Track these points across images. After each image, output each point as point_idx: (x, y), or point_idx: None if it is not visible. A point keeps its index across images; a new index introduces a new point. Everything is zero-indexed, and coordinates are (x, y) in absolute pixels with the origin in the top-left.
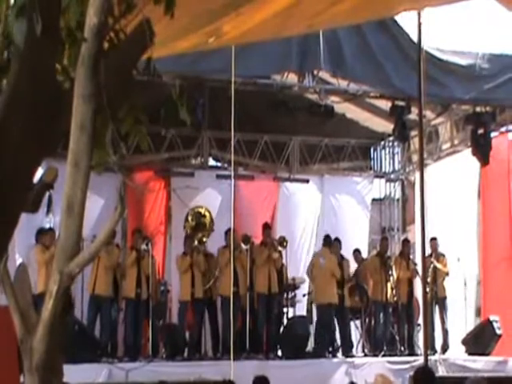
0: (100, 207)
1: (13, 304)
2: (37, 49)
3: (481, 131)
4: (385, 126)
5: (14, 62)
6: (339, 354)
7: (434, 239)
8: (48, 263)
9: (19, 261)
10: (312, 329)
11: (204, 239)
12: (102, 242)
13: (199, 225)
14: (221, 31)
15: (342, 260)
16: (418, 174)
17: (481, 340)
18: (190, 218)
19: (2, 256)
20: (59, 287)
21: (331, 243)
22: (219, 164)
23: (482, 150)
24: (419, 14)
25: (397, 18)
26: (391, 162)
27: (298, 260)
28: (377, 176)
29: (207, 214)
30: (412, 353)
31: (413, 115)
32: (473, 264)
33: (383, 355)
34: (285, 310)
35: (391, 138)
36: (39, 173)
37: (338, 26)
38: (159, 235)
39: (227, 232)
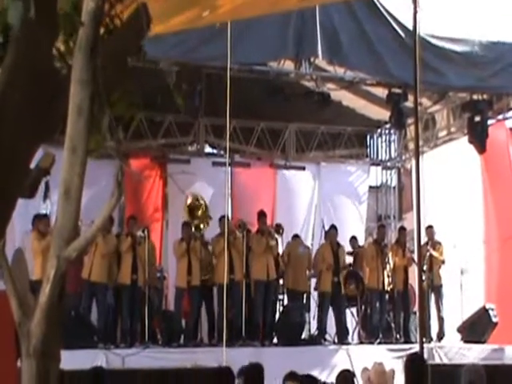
0: (97, 192)
1: (10, 288)
2: (33, 33)
3: (478, 119)
4: (381, 114)
5: (10, 48)
6: (335, 341)
7: (430, 227)
8: (44, 251)
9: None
10: (308, 316)
11: (201, 226)
12: (99, 227)
13: (193, 208)
14: (215, 4)
15: (338, 247)
16: (414, 162)
17: (476, 328)
18: (188, 201)
19: (0, 241)
20: (56, 271)
21: (299, 237)
22: (215, 151)
23: (479, 138)
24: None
25: (393, 4)
26: (388, 149)
27: None
28: (373, 164)
29: (202, 201)
30: (407, 340)
31: (409, 103)
32: (470, 251)
33: (379, 343)
34: (280, 297)
35: (388, 126)
36: (36, 158)
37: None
38: (156, 222)
39: (221, 219)
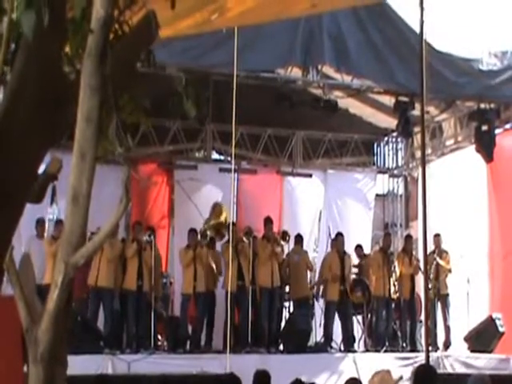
0: (105, 199)
1: (18, 294)
2: (44, 40)
3: (485, 128)
4: (388, 122)
5: (20, 54)
6: (341, 349)
7: (437, 235)
8: (56, 255)
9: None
10: (314, 323)
11: (207, 232)
12: (106, 233)
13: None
14: (224, 8)
15: (343, 255)
16: (421, 170)
17: (483, 337)
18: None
19: (8, 246)
20: (64, 278)
21: (302, 241)
22: (222, 157)
23: (486, 147)
24: (422, 9)
25: (401, 12)
26: (394, 157)
27: None
28: (380, 172)
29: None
30: (414, 349)
31: (416, 111)
32: (476, 260)
33: (385, 351)
34: (286, 304)
35: (395, 134)
36: (43, 163)
37: (341, 5)
38: (162, 228)
39: (228, 226)
